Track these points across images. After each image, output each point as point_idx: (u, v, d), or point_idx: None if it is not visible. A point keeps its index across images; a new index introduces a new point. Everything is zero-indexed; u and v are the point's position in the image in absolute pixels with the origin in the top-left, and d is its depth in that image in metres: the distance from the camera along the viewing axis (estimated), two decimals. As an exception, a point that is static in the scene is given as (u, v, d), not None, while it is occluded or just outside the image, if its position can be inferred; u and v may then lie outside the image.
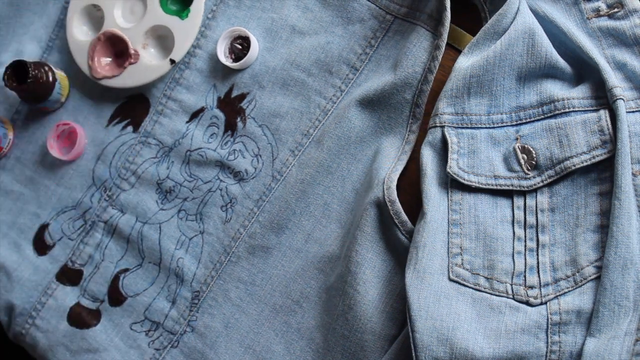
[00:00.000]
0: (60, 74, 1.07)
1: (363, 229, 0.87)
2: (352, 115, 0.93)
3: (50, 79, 1.04)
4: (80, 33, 1.08)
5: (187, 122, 1.03)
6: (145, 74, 1.03)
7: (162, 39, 1.05)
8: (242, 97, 1.00)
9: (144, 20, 1.04)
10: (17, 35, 1.13)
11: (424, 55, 0.90)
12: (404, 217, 0.86)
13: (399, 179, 0.89)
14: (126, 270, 1.03)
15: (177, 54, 1.02)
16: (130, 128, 1.05)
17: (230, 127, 1.00)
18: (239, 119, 1.00)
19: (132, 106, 1.06)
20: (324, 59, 0.97)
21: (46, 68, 1.05)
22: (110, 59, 1.06)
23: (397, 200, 0.86)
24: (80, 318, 1.04)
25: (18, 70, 1.03)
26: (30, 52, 1.11)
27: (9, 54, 1.11)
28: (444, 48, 0.89)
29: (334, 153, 0.94)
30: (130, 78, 1.04)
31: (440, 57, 0.89)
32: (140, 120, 1.05)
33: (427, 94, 0.90)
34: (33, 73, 1.02)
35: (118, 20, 1.05)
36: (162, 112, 1.04)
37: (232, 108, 1.00)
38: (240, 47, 1.00)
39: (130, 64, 1.03)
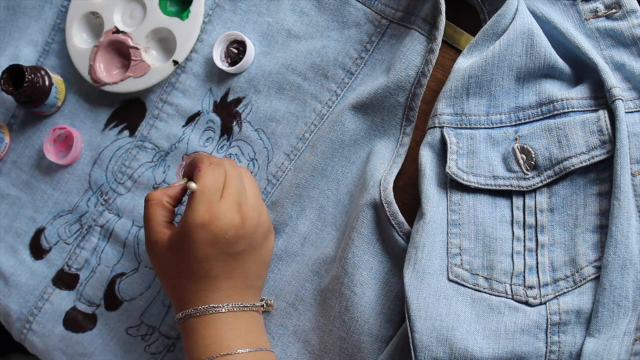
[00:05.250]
0: (56, 78, 1.07)
1: (360, 231, 0.87)
2: (346, 118, 0.93)
3: (47, 83, 1.04)
4: (80, 41, 1.07)
5: (184, 126, 1.03)
6: (149, 77, 1.03)
7: (164, 41, 1.05)
8: (238, 101, 1.00)
9: (145, 24, 1.03)
10: (14, 39, 1.12)
11: (417, 59, 0.90)
12: (401, 218, 0.86)
13: (397, 180, 0.89)
14: (122, 274, 1.03)
15: (180, 55, 1.02)
16: (126, 132, 1.05)
17: (226, 131, 1.00)
18: (235, 123, 1.00)
19: (129, 110, 1.06)
20: (320, 63, 0.97)
21: (42, 72, 1.04)
22: (112, 65, 1.06)
23: (394, 202, 0.86)
24: (76, 322, 1.03)
25: (14, 75, 1.03)
26: (27, 56, 1.11)
27: (5, 58, 1.11)
28: (438, 52, 0.89)
29: (328, 156, 0.94)
30: (134, 82, 1.04)
31: (434, 61, 0.89)
32: (136, 124, 1.05)
33: (421, 97, 0.90)
34: (29, 77, 1.02)
35: (118, 25, 1.04)
36: (159, 117, 1.04)
37: (228, 112, 1.01)
38: (236, 51, 1.00)
39: (138, 76, 1.03)
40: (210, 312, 0.84)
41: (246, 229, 0.85)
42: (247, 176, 0.91)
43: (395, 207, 0.86)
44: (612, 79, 0.81)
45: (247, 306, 0.87)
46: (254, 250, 0.88)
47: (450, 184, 0.86)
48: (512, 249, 0.82)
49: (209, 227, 0.82)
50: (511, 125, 0.85)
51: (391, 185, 0.87)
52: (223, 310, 0.85)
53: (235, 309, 0.86)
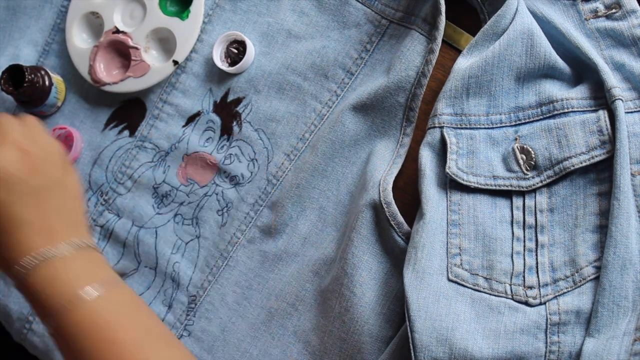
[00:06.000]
0: (56, 78, 1.07)
1: (359, 231, 0.87)
2: (346, 119, 0.93)
3: (47, 83, 1.04)
4: (80, 41, 1.07)
5: (183, 126, 1.02)
6: (149, 77, 1.03)
7: (164, 41, 1.05)
8: (238, 101, 1.00)
9: (145, 24, 1.03)
10: (14, 40, 1.12)
11: (417, 59, 0.90)
12: (400, 218, 0.86)
13: (397, 180, 0.89)
14: (122, 274, 1.02)
15: (180, 55, 1.02)
16: (126, 132, 1.05)
17: (226, 131, 1.00)
18: (235, 123, 1.00)
19: (129, 110, 1.06)
20: (320, 63, 0.97)
21: (42, 72, 1.04)
22: (112, 65, 1.06)
23: (393, 202, 0.86)
24: (76, 322, 1.03)
25: (14, 75, 1.03)
26: (27, 56, 1.11)
27: (5, 58, 1.11)
28: (437, 52, 0.89)
29: (328, 157, 0.94)
30: (134, 82, 1.04)
31: (434, 61, 0.89)
32: (136, 124, 1.05)
33: (421, 98, 0.90)
34: (29, 77, 1.02)
35: (118, 25, 1.04)
36: (159, 117, 1.04)
37: (228, 112, 1.01)
38: (236, 51, 1.00)
39: (138, 76, 1.03)
40: (40, 259, 0.78)
41: (33, 162, 0.81)
42: (28, 119, 0.88)
43: (395, 207, 0.86)
44: (612, 79, 0.81)
45: (82, 244, 0.81)
46: (56, 184, 0.83)
47: (450, 184, 0.86)
48: (512, 249, 0.82)
49: None
50: (511, 125, 0.85)
51: (390, 185, 0.87)
52: (62, 255, 0.79)
53: (70, 252, 0.80)
